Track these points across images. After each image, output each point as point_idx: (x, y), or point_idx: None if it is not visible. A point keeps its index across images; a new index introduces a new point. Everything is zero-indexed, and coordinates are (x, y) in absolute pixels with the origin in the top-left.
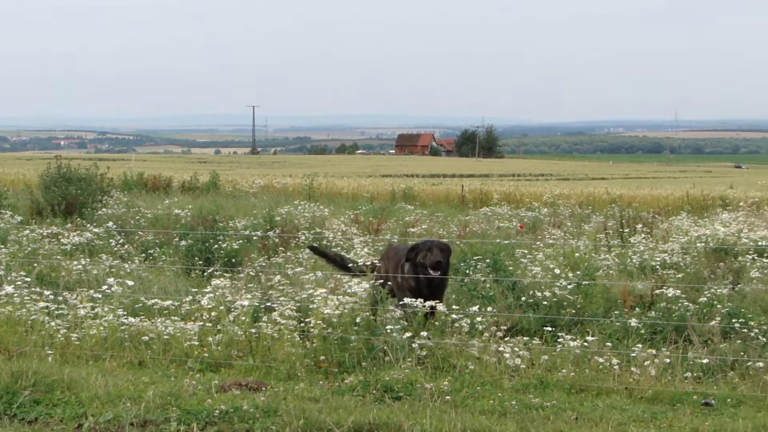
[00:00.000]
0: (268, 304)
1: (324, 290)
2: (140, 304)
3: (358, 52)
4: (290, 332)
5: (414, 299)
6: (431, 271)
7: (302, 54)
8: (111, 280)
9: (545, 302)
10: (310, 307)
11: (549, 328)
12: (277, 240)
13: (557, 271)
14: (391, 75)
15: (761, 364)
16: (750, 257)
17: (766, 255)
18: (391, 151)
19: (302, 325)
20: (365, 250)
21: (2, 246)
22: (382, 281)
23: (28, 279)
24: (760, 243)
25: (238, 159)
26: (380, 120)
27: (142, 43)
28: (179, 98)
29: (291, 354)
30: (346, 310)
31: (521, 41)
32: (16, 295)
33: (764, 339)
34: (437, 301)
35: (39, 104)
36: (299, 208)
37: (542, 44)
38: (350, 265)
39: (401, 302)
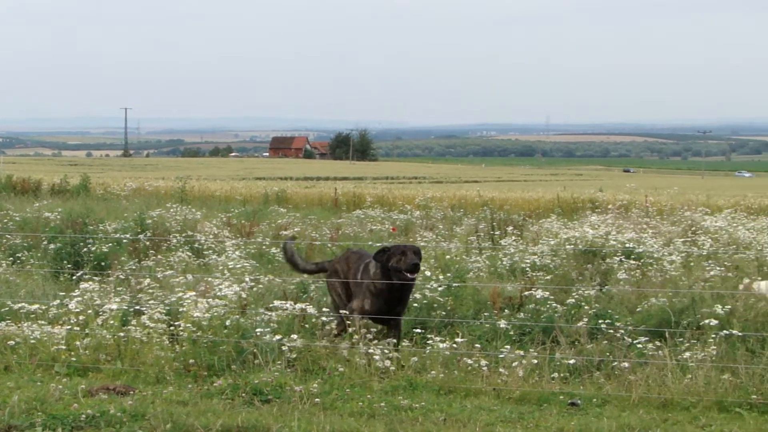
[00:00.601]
0: (138, 307)
1: (194, 293)
2: (6, 308)
3: (230, 53)
4: (159, 336)
5: (375, 305)
6: (408, 275)
7: (174, 56)
8: None
9: (416, 304)
10: (180, 310)
11: (419, 330)
12: (147, 243)
13: (428, 273)
14: (265, 77)
15: (626, 365)
16: (617, 259)
17: (633, 257)
18: (265, 154)
19: (171, 328)
20: (237, 252)
21: None
22: (336, 285)
23: None
24: (627, 245)
25: (109, 162)
26: (254, 122)
27: (10, 42)
28: (50, 100)
29: (160, 357)
30: (215, 314)
31: (394, 44)
32: None
33: (630, 339)
34: (402, 308)
35: None
36: (171, 210)
37: (415, 47)
38: (309, 266)
39: (353, 308)
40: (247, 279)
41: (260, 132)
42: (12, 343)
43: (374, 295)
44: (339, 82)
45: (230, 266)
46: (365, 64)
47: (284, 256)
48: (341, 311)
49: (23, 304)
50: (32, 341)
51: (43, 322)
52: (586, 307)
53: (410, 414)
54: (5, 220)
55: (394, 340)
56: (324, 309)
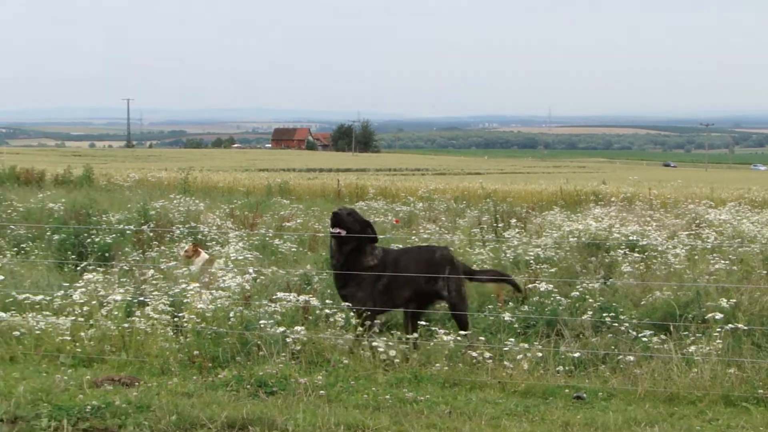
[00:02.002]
0: (142, 298)
1: (197, 285)
2: (11, 299)
3: (232, 43)
4: (163, 327)
5: None
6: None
7: (176, 46)
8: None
9: None
10: (184, 301)
11: (423, 323)
12: (151, 234)
13: None
14: (267, 68)
15: (632, 358)
16: (621, 252)
17: (637, 249)
18: (267, 146)
19: (176, 319)
20: (240, 244)
21: None
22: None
23: None
24: (631, 238)
25: (113, 153)
26: (256, 114)
27: (15, 34)
28: (53, 91)
29: (164, 349)
30: (220, 305)
31: (396, 36)
32: None
33: (635, 333)
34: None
35: None
36: (174, 202)
37: (417, 39)
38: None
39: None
40: (250, 270)
41: (262, 123)
42: (17, 333)
43: None
44: (341, 74)
45: (233, 257)
46: (367, 56)
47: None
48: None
49: (28, 294)
50: (37, 332)
51: (47, 312)
52: (590, 300)
53: (415, 407)
54: (9, 211)
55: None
56: (327, 300)
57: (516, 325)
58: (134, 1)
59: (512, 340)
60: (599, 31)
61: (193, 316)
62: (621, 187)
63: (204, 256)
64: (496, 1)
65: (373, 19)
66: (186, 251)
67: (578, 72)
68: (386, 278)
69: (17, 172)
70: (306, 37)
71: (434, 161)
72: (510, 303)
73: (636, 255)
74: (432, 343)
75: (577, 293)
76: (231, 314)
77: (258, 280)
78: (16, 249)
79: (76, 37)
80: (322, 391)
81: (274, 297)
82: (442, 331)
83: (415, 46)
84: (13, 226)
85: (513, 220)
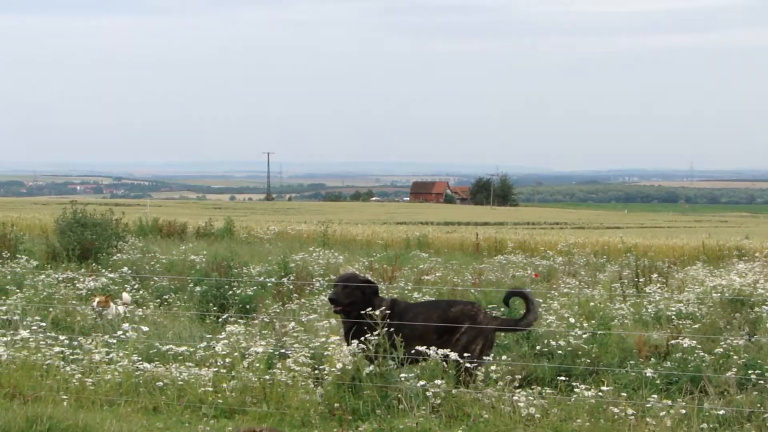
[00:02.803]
0: (283, 350)
1: (338, 337)
2: (155, 350)
3: (370, 97)
4: (304, 379)
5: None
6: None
7: (315, 100)
8: (126, 325)
9: (560, 351)
10: (324, 354)
11: (563, 378)
12: (291, 287)
13: (572, 320)
14: (406, 122)
15: None
16: (766, 308)
17: None
18: (405, 199)
19: (316, 372)
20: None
21: (18, 290)
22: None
23: (44, 324)
24: None
25: (252, 205)
26: (395, 167)
27: (154, 90)
28: (194, 145)
29: (305, 401)
30: (360, 358)
31: (534, 89)
32: (31, 339)
33: None
34: None
35: (55, 150)
36: (314, 254)
37: (555, 92)
38: None
39: None
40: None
41: (401, 177)
42: (160, 384)
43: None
44: (478, 127)
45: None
46: (504, 108)
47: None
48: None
49: (171, 345)
50: (180, 383)
51: (190, 363)
52: (734, 357)
53: None
54: (153, 263)
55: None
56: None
57: (658, 381)
58: (272, 56)
59: (655, 396)
60: (744, 82)
61: (333, 369)
62: (765, 242)
63: (113, 307)
64: (641, 48)
65: (512, 73)
66: (100, 301)
67: (721, 125)
68: None
69: (160, 225)
70: (444, 88)
71: (573, 215)
72: (652, 359)
73: None
74: (573, 399)
75: (721, 350)
76: (371, 367)
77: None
78: (159, 300)
79: (218, 93)
80: None
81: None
82: (583, 386)
83: (552, 99)
84: (156, 278)
85: (654, 275)
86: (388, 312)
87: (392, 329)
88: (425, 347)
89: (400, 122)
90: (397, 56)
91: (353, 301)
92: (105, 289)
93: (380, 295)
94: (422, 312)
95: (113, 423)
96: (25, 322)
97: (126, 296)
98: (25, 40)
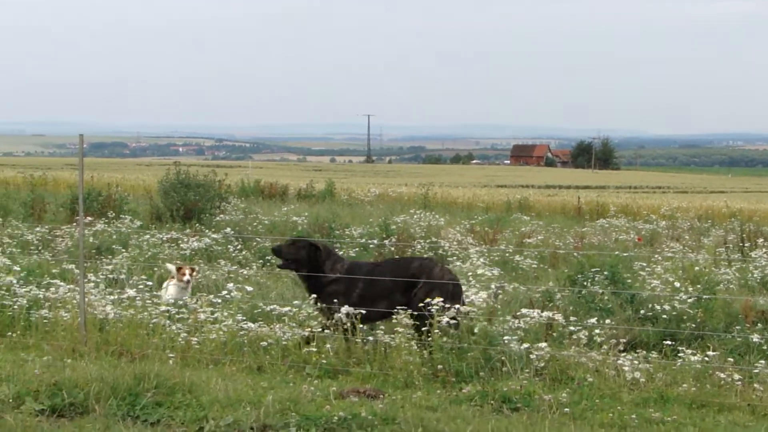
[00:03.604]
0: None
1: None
2: (259, 310)
3: (471, 57)
4: (407, 341)
5: None
6: None
7: (417, 62)
8: (230, 285)
9: (664, 316)
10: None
11: (668, 342)
12: (392, 248)
13: (677, 284)
14: (504, 84)
15: None
16: None
17: None
18: (506, 162)
19: (419, 334)
20: (481, 259)
21: (123, 250)
22: None
23: (150, 283)
24: None
25: (352, 167)
26: (495, 130)
27: (257, 52)
28: (295, 106)
29: (408, 362)
30: (464, 320)
31: (637, 52)
32: (138, 298)
33: None
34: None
35: (158, 111)
36: (414, 217)
37: (658, 54)
38: None
39: None
40: (492, 286)
41: (501, 140)
42: (264, 344)
43: None
44: (580, 90)
45: (478, 273)
46: (605, 70)
47: None
48: None
49: (275, 306)
50: (284, 343)
51: (293, 324)
52: None
53: (662, 427)
54: (255, 224)
55: None
56: (572, 318)
57: (765, 347)
58: (372, 17)
59: (762, 362)
60: None
61: (437, 331)
62: None
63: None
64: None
65: (613, 37)
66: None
67: None
68: None
69: (261, 186)
70: (544, 50)
71: (676, 179)
72: (758, 324)
73: None
74: (678, 363)
75: None
76: (475, 329)
77: (500, 296)
78: (261, 261)
79: (318, 55)
80: (566, 409)
81: (517, 313)
82: (689, 351)
83: (656, 62)
84: (258, 239)
85: (760, 240)
86: (341, 276)
87: (357, 291)
88: (391, 306)
89: (501, 85)
90: (504, 17)
91: (297, 259)
92: (208, 250)
93: (340, 258)
94: (387, 272)
95: (218, 382)
96: (131, 281)
97: (170, 266)
98: (132, 4)
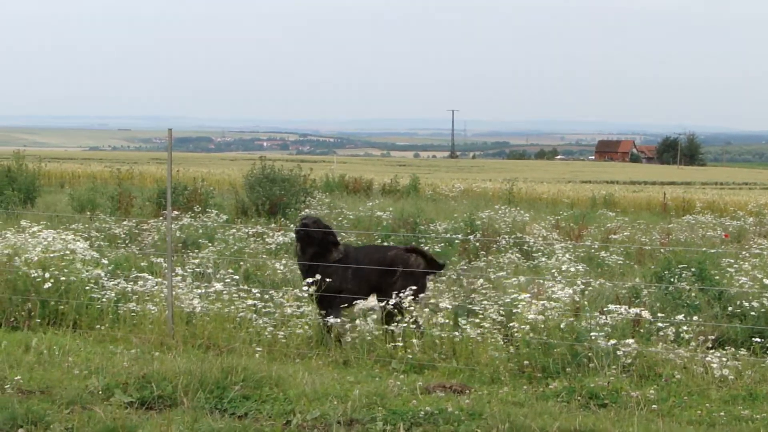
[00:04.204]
0: (471, 307)
1: (527, 295)
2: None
3: (556, 53)
4: (493, 336)
5: None
6: None
7: (502, 59)
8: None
9: (753, 313)
10: (514, 311)
11: (757, 340)
12: (478, 244)
13: (766, 281)
14: (592, 79)
15: None
16: None
17: None
18: (590, 158)
19: (506, 329)
20: (566, 255)
21: (209, 244)
22: None
23: (236, 277)
24: None
25: (437, 163)
26: (579, 126)
27: (339, 48)
28: (379, 101)
29: (494, 358)
30: (550, 316)
31: (725, 46)
32: (224, 292)
33: None
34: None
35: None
36: (499, 212)
37: (746, 49)
38: None
39: None
40: (578, 282)
41: (586, 135)
42: (349, 339)
43: None
44: (667, 85)
45: (563, 269)
46: (695, 64)
47: None
48: None
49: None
50: (369, 338)
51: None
52: None
53: (750, 425)
54: (340, 218)
55: None
56: (659, 314)
57: None
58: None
59: None
60: None
61: (523, 326)
62: None
63: None
64: None
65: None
66: None
67: None
68: None
69: (346, 181)
70: (630, 46)
71: (763, 175)
72: None
73: None
74: (767, 361)
75: None
76: (562, 325)
77: (586, 292)
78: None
79: (402, 49)
80: (654, 406)
81: (604, 309)
82: None
83: (741, 57)
84: (344, 233)
85: None
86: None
87: (349, 273)
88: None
89: (585, 81)
90: (585, 12)
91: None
92: (294, 245)
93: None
94: (368, 255)
95: (305, 376)
96: (218, 275)
97: None
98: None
